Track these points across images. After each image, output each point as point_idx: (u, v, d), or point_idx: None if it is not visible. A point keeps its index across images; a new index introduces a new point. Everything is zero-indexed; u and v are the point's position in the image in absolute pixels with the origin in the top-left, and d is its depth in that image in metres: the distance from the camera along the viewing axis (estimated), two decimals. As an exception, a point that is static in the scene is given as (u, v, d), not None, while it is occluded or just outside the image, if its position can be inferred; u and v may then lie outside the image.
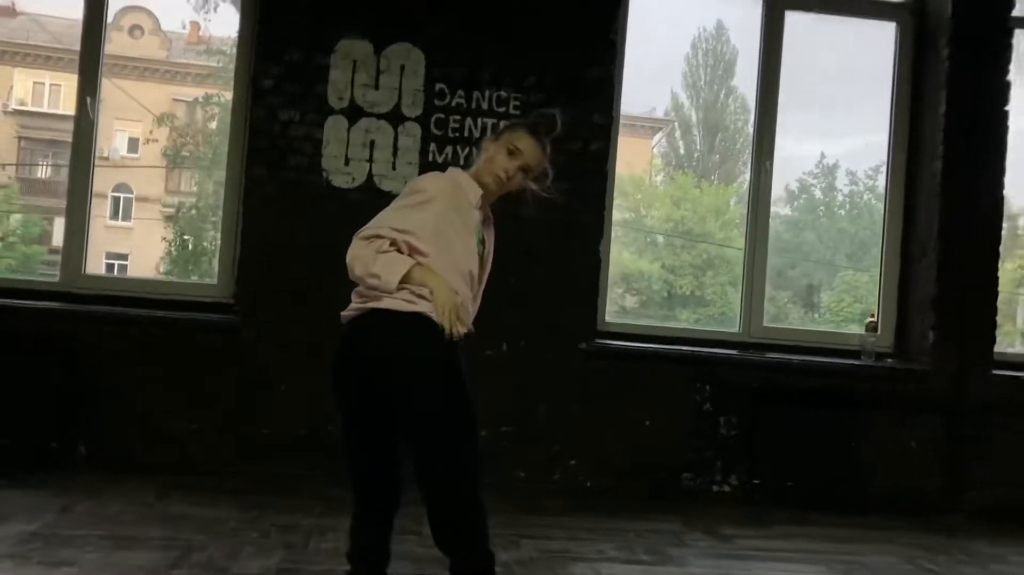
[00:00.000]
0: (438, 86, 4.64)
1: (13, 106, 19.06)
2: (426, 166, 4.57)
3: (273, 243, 4.51)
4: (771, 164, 5.13)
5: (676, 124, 15.16)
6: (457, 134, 4.64)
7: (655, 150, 15.64)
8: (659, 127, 15.52)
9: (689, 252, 13.31)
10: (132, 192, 18.05)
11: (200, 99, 11.74)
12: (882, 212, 5.26)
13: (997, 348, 4.97)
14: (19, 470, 4.11)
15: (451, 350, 2.32)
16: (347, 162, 4.57)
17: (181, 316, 4.48)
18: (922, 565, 3.71)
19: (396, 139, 4.60)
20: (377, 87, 4.59)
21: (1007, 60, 4.97)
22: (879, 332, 5.05)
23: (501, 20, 4.68)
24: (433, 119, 4.64)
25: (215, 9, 8.54)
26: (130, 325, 4.42)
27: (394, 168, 4.59)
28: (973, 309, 4.89)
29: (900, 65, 5.17)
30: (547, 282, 4.64)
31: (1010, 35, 4.97)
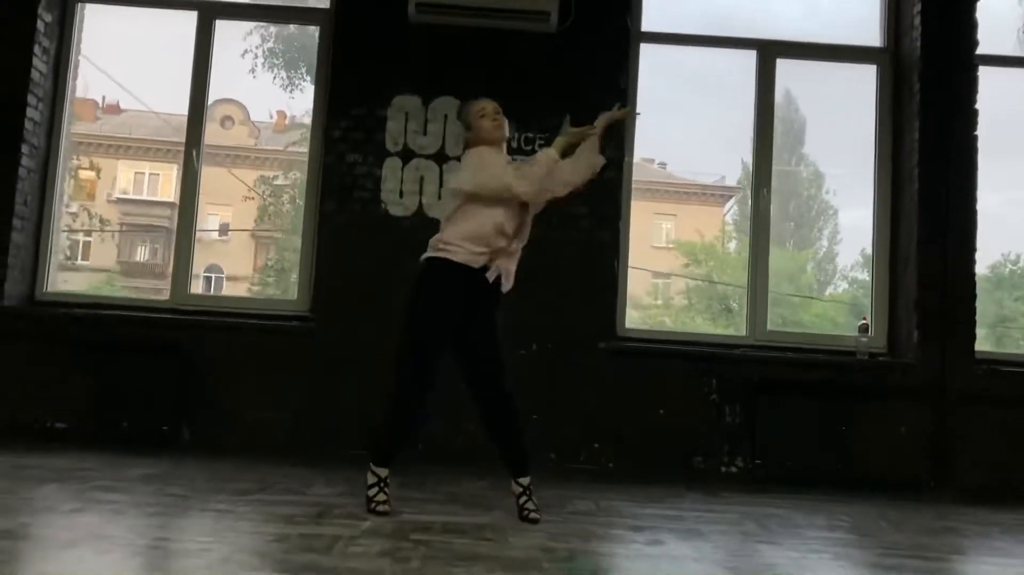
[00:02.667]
0: (475, 130, 5.57)
1: (117, 195, 20.95)
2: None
3: (342, 262, 5.46)
4: (768, 191, 5.91)
5: (748, 192, 15.54)
6: (491, 169, 5.54)
7: (727, 217, 16.03)
8: (730, 195, 15.93)
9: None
10: (223, 272, 19.39)
11: (283, 175, 12.79)
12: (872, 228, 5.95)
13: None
14: (139, 446, 5.05)
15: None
16: (401, 195, 5.52)
17: (267, 324, 5.44)
18: (886, 514, 4.31)
19: (441, 175, 5.54)
20: (425, 133, 5.56)
21: (974, 92, 5.68)
22: (871, 334, 5.69)
23: (527, 75, 5.62)
24: (472, 158, 5.56)
25: (300, 89, 9.70)
26: (226, 332, 5.39)
27: (439, 199, 5.50)
28: (954, 311, 5.50)
29: (880, 101, 5.92)
30: (571, 291, 5.46)
31: (975, 70, 5.69)
